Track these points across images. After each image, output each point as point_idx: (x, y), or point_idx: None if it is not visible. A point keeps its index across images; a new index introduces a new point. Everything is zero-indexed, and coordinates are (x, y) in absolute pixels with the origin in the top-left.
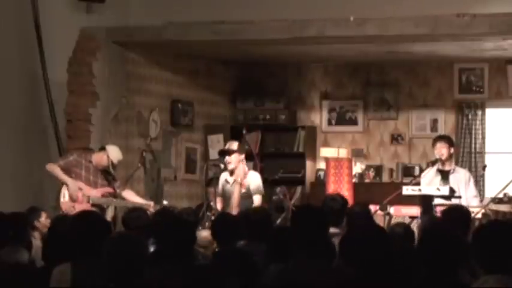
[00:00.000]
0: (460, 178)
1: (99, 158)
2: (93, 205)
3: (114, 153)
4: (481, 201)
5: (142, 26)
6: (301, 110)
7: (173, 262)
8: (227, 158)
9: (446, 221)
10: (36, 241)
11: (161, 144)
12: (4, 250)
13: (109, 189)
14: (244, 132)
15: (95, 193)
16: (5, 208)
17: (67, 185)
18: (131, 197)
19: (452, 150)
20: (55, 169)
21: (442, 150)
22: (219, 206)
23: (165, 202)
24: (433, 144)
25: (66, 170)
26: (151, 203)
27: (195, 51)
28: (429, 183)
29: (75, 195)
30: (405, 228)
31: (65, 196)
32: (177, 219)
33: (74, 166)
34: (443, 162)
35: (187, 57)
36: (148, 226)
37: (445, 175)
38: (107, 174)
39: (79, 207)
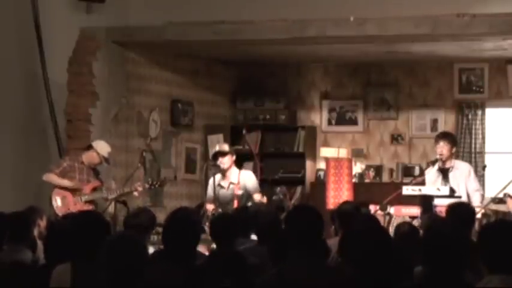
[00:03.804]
0: (460, 174)
1: (89, 157)
2: (87, 202)
3: (101, 147)
4: (483, 195)
5: (142, 26)
6: (301, 110)
7: (173, 262)
8: (220, 159)
9: (450, 218)
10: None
11: (161, 144)
12: (6, 250)
13: (96, 183)
14: (244, 132)
15: (84, 191)
16: (5, 208)
17: (69, 187)
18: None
19: (454, 149)
20: (52, 177)
21: (443, 149)
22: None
23: (149, 179)
24: (436, 141)
25: (62, 177)
26: (138, 183)
27: (195, 51)
28: (433, 182)
29: (82, 187)
30: (410, 226)
31: (57, 201)
32: (184, 219)
33: (68, 171)
34: (443, 162)
35: (187, 57)
36: (149, 226)
37: (445, 173)
38: (96, 173)
39: (74, 209)
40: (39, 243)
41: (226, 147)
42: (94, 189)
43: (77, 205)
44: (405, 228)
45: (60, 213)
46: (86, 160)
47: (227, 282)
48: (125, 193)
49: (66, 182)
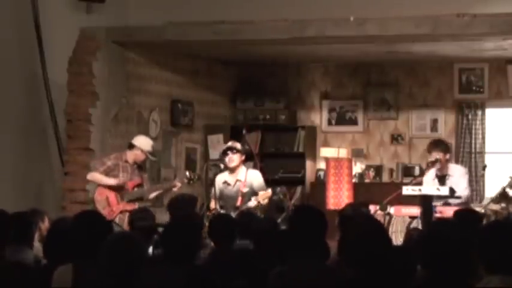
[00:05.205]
0: (454, 180)
1: (134, 156)
2: (130, 201)
3: (144, 143)
4: (470, 195)
5: (142, 26)
6: (301, 110)
7: (174, 263)
8: (231, 155)
9: (456, 223)
10: (36, 243)
11: (161, 144)
12: (8, 249)
13: (137, 180)
14: (244, 132)
15: (126, 189)
16: (5, 208)
17: (114, 185)
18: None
19: (448, 156)
20: (97, 176)
21: (436, 159)
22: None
23: (187, 173)
24: (428, 151)
25: (106, 175)
26: (177, 179)
27: (195, 51)
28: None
29: (126, 185)
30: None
31: (99, 201)
32: (186, 222)
33: (112, 170)
34: (440, 169)
35: (187, 57)
36: (154, 228)
37: (442, 180)
38: (139, 169)
39: (117, 209)
40: (38, 245)
41: (237, 145)
42: (136, 187)
43: (119, 205)
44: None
45: (103, 213)
46: (130, 159)
47: (241, 282)
48: (165, 190)
49: (111, 180)
